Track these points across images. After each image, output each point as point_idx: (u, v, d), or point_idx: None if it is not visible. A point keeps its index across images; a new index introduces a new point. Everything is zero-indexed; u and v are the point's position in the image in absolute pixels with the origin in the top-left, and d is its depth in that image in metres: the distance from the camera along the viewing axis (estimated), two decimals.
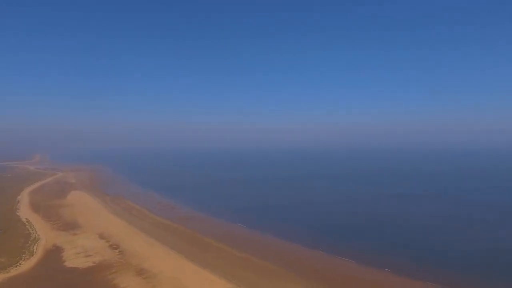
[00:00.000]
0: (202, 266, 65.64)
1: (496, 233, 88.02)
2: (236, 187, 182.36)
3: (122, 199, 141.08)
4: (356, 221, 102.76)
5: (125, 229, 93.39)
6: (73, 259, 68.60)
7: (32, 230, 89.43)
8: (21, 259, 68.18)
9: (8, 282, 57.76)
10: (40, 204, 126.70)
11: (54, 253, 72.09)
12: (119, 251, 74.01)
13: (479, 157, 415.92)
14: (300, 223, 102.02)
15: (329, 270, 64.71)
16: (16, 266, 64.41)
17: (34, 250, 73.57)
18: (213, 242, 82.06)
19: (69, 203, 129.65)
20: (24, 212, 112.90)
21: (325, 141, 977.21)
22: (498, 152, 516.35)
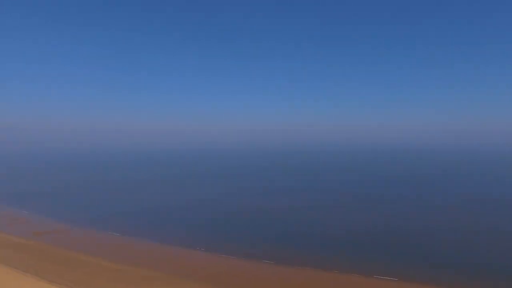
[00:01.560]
0: (68, 286, 56.66)
1: (358, 217, 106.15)
2: (112, 191, 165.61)
3: None
4: (234, 217, 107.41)
5: None
6: None
7: None
8: None
9: None
10: None
11: None
12: None
13: (348, 154, 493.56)
14: (178, 224, 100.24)
15: (208, 267, 65.51)
16: None
17: None
18: (83, 256, 72.16)
19: None
20: None
21: (219, 141, 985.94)
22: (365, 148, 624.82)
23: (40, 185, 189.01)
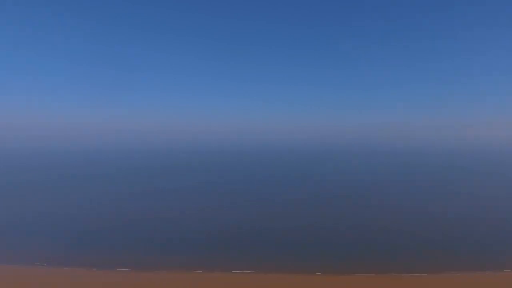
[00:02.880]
0: None
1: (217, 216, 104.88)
2: None
3: None
4: (93, 225, 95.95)
5: None
6: None
7: None
8: None
9: None
10: None
11: None
12: None
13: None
14: (36, 238, 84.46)
15: (58, 283, 57.07)
16: None
17: None
18: None
19: None
20: None
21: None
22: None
23: None
